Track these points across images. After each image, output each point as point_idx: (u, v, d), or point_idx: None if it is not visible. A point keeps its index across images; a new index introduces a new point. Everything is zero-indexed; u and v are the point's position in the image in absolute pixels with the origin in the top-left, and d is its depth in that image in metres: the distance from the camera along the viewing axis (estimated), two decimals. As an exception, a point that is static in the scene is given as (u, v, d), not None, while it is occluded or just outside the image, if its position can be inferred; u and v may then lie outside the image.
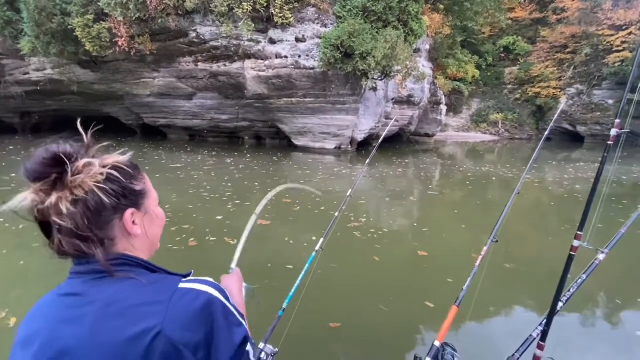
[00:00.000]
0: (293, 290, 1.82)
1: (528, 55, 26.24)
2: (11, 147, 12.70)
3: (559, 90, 24.06)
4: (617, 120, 1.28)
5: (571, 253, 1.38)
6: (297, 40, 11.40)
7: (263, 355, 1.40)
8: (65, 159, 0.62)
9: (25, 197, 0.60)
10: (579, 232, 1.38)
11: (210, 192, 6.85)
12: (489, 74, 27.05)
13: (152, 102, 14.88)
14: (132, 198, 0.70)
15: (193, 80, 13.31)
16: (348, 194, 2.60)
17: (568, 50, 24.17)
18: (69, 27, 10.81)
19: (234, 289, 0.95)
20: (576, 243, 1.38)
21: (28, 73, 14.45)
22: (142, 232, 0.71)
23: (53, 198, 0.60)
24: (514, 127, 26.06)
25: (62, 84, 14.10)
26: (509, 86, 27.02)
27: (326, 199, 6.47)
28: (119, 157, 0.70)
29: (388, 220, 5.80)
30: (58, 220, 0.60)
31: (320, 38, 11.06)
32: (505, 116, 26.04)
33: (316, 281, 3.40)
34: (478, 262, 1.70)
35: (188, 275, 0.73)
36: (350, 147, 14.65)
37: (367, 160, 3.16)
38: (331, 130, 13.51)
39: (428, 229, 5.24)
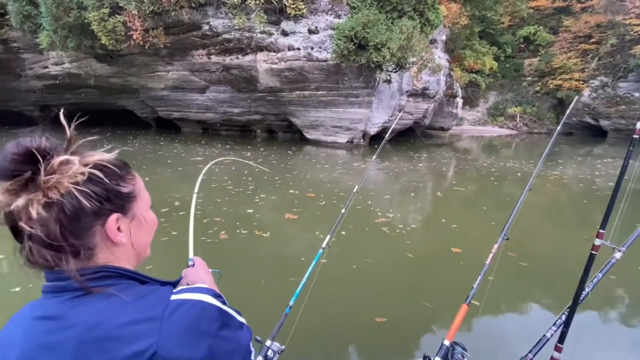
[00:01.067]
0: (300, 287, 1.79)
1: (549, 46, 25.25)
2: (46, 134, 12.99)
3: (582, 82, 23.10)
4: None
5: (592, 252, 1.33)
6: (310, 31, 11.24)
7: (270, 352, 1.40)
8: (39, 156, 0.53)
9: None
10: (601, 231, 1.33)
11: (235, 186, 6.87)
12: (507, 65, 26.19)
13: (166, 96, 15.03)
14: (118, 202, 0.61)
15: (206, 74, 13.35)
16: (355, 189, 2.54)
17: (592, 40, 23.13)
18: (85, 21, 10.94)
19: (205, 279, 0.90)
20: (598, 242, 1.33)
21: (47, 67, 14.79)
22: (127, 240, 0.62)
23: (21, 200, 0.52)
24: (532, 121, 25.25)
25: (79, 78, 14.38)
26: (529, 78, 26.12)
27: (344, 195, 6.48)
28: (104, 154, 0.61)
29: (415, 215, 5.71)
30: (26, 227, 0.52)
31: (333, 29, 10.87)
32: (523, 109, 25.24)
33: (347, 276, 3.49)
34: (489, 259, 1.66)
35: (178, 282, 0.68)
36: (362, 141, 14.47)
37: (374, 156, 3.11)
38: (343, 124, 13.36)
39: (457, 226, 5.14)
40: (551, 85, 24.33)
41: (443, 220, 5.42)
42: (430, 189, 7.92)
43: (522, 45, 26.39)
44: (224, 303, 0.64)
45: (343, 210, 2.24)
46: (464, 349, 1.32)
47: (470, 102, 25.28)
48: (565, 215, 6.29)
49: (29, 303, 0.61)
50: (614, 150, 15.87)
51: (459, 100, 19.86)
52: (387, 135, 3.32)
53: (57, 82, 15.11)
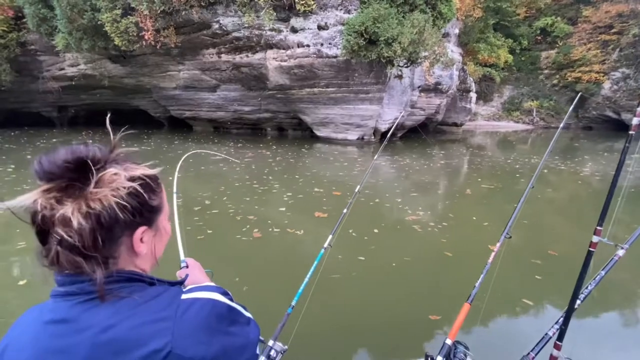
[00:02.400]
0: (302, 288, 1.79)
1: (568, 37, 24.43)
2: (54, 140, 13.40)
3: (602, 74, 22.27)
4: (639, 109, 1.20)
5: (590, 249, 1.33)
6: (320, 27, 11.14)
7: (273, 352, 1.42)
8: (92, 166, 0.55)
9: (30, 199, 0.53)
10: (598, 227, 1.32)
11: (259, 184, 6.89)
12: (523, 58, 25.47)
13: (178, 95, 15.20)
14: (147, 215, 0.63)
15: (216, 72, 13.42)
16: (356, 189, 2.50)
17: (613, 30, 22.24)
18: (99, 22, 11.13)
19: (203, 279, 0.92)
20: (595, 239, 1.32)
21: (63, 68, 15.15)
22: (148, 250, 0.64)
23: (67, 209, 0.53)
24: (550, 115, 24.54)
25: (94, 79, 14.68)
26: (546, 71, 25.35)
27: (371, 193, 6.50)
28: (147, 169, 0.63)
29: (445, 213, 5.56)
30: (63, 233, 0.53)
31: (343, 25, 10.74)
32: (540, 103, 24.53)
33: (387, 272, 3.48)
34: (491, 258, 1.64)
35: (184, 282, 0.70)
36: (373, 137, 14.31)
37: (376, 155, 3.05)
38: (354, 121, 13.23)
39: (489, 223, 5.02)
40: (569, 78, 23.56)
41: (474, 218, 5.31)
42: (458, 186, 7.73)
43: (539, 37, 25.59)
44: (231, 300, 0.65)
45: (345, 210, 2.22)
46: (466, 347, 1.31)
47: (484, 96, 24.72)
48: (576, 212, 6.04)
49: (35, 307, 0.61)
50: (638, 146, 15.22)
51: (473, 95, 19.43)
52: (389, 132, 3.25)
53: (73, 83, 15.47)
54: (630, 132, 1.26)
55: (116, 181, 0.56)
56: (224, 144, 12.84)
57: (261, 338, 1.43)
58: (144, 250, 0.63)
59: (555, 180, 8.11)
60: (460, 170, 9.60)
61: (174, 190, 1.38)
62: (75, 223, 0.52)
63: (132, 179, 0.58)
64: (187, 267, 0.96)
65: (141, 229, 0.62)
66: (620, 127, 22.22)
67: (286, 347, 1.44)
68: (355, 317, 2.83)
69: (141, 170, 0.62)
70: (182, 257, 1.03)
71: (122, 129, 0.68)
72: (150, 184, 0.63)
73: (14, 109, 17.73)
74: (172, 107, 16.40)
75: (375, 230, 4.61)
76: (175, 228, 1.20)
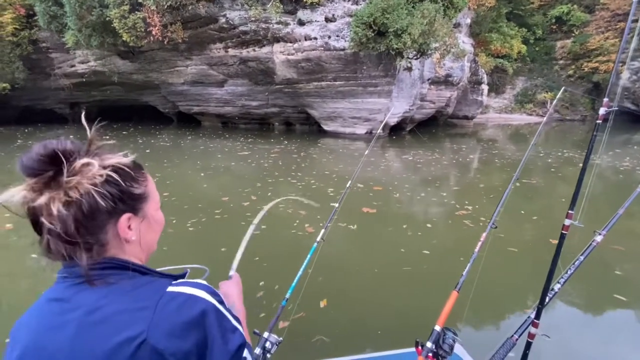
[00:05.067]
0: (295, 281, 1.83)
1: (584, 26, 23.60)
2: (71, 136, 13.59)
3: (621, 64, 21.46)
4: (606, 99, 1.30)
5: (563, 232, 1.41)
6: (327, 20, 10.96)
7: (268, 344, 1.46)
8: (63, 157, 0.58)
9: (16, 193, 0.57)
10: (570, 211, 1.40)
11: (298, 180, 6.87)
12: (537, 48, 24.74)
13: (186, 90, 15.23)
14: (130, 202, 0.65)
15: (224, 67, 13.37)
16: (348, 185, 2.50)
17: (633, 18, 21.36)
18: (107, 18, 11.17)
19: (234, 293, 0.93)
20: (567, 222, 1.41)
21: (74, 65, 15.31)
22: (136, 238, 0.67)
23: (44, 198, 0.56)
24: (564, 107, 23.86)
25: (104, 75, 14.81)
26: (561, 62, 24.60)
27: (410, 187, 6.55)
28: (122, 158, 0.65)
29: (492, 207, 5.39)
30: (47, 222, 0.57)
31: (351, 16, 10.54)
32: (554, 95, 23.83)
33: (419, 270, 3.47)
34: (477, 247, 1.72)
35: (182, 277, 0.68)
36: (382, 131, 14.13)
37: (367, 151, 3.01)
38: (362, 115, 13.06)
39: (538, 217, 4.95)
40: (586, 69, 22.80)
41: (522, 212, 5.20)
42: (497, 181, 7.49)
43: (554, 27, 24.78)
44: (221, 303, 0.65)
45: (336, 205, 2.27)
46: (454, 333, 1.35)
47: (496, 88, 24.15)
48: (592, 207, 5.83)
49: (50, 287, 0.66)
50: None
51: (484, 87, 18.98)
52: (380, 128, 3.09)
53: (84, 79, 15.63)
54: (597, 122, 1.35)
55: (90, 170, 0.59)
56: (235, 140, 12.84)
57: (256, 330, 1.50)
58: (132, 237, 0.65)
59: (571, 173, 7.84)
60: (496, 165, 9.33)
61: (255, 222, 1.44)
62: (55, 211, 0.56)
63: (105, 167, 0.61)
64: (231, 278, 1.01)
65: (126, 215, 0.64)
66: (638, 119, 21.46)
67: (281, 338, 1.48)
68: (510, 310, 2.91)
69: (115, 159, 0.63)
70: (231, 272, 1.08)
71: (97, 120, 0.68)
72: (129, 172, 0.65)
73: (27, 106, 18.05)
74: (181, 103, 16.46)
75: (449, 223, 4.61)
76: (242, 245, 1.28)
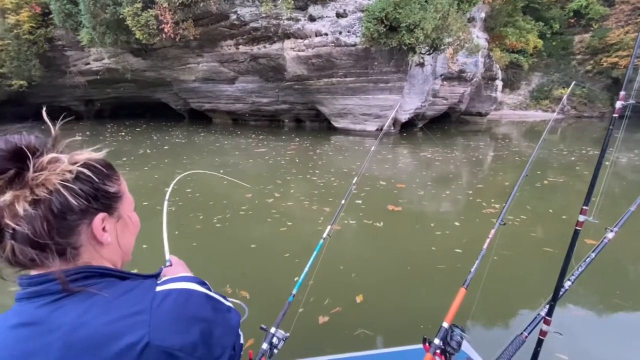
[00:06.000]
0: (302, 277, 1.84)
1: (604, 20, 22.79)
2: (88, 133, 13.93)
3: (638, 58, 20.67)
4: (622, 93, 1.26)
5: (577, 228, 1.38)
6: (338, 15, 10.87)
7: (275, 339, 1.47)
8: (28, 153, 0.53)
9: None
10: (584, 207, 1.37)
11: (318, 177, 6.88)
12: (554, 43, 24.03)
13: (197, 87, 15.36)
14: (105, 201, 0.61)
15: (234, 64, 13.42)
16: (354, 181, 2.48)
17: (657, 10, 20.57)
18: (121, 16, 11.31)
19: (181, 272, 0.89)
20: (581, 218, 1.37)
21: (89, 63, 15.61)
22: (112, 239, 0.62)
23: (7, 196, 0.51)
24: (582, 104, 23.15)
25: (117, 73, 15.05)
26: (579, 56, 23.84)
27: (434, 185, 6.54)
28: (92, 153, 0.61)
29: (523, 204, 5.26)
30: (12, 224, 0.51)
31: (362, 12, 10.42)
32: (572, 91, 23.14)
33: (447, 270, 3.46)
34: (486, 244, 1.71)
35: (159, 274, 0.67)
36: (393, 128, 13.98)
37: (373, 147, 2.94)
38: (373, 111, 12.94)
39: (567, 217, 4.83)
40: (605, 64, 22.03)
41: (550, 211, 5.09)
42: (524, 179, 7.36)
43: (572, 20, 24.02)
44: (209, 289, 0.65)
45: (343, 201, 2.25)
46: (462, 330, 1.35)
47: (510, 84, 23.60)
48: (609, 203, 5.63)
49: (2, 314, 0.58)
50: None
51: (499, 83, 18.55)
52: (387, 124, 3.04)
53: (99, 77, 15.92)
54: (614, 115, 1.30)
55: (59, 166, 0.54)
56: (247, 137, 12.90)
57: (263, 326, 1.51)
58: (108, 239, 0.61)
59: (624, 173, 7.57)
60: (491, 161, 9.21)
61: (166, 197, 1.47)
62: (20, 211, 0.51)
63: (74, 163, 0.56)
64: (171, 265, 0.94)
65: (100, 215, 0.60)
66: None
67: (288, 334, 1.49)
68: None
69: (86, 154, 0.60)
70: (167, 256, 1.03)
71: (62, 116, 0.65)
72: (101, 170, 0.61)
73: (44, 103, 18.50)
74: (192, 100, 16.61)
75: (477, 221, 4.57)
76: (163, 230, 1.25)
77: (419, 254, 3.80)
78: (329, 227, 2.11)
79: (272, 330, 1.50)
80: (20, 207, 0.51)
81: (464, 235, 4.17)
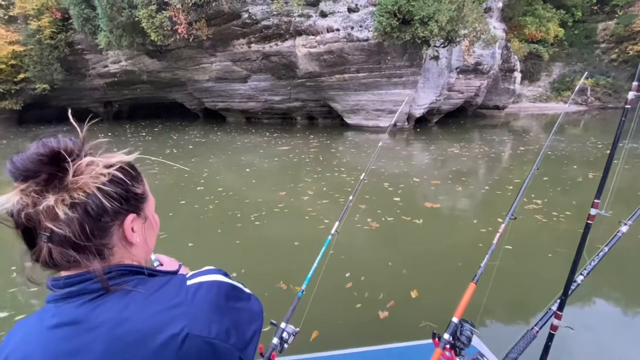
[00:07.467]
0: (311, 273, 1.85)
1: (629, 6, 21.73)
2: (109, 134, 14.34)
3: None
4: (636, 83, 1.19)
5: (588, 222, 1.36)
6: (350, 10, 10.76)
7: (285, 334, 1.49)
8: (67, 156, 0.54)
9: (9, 199, 0.52)
10: (596, 200, 1.35)
11: (347, 175, 6.92)
12: (576, 31, 23.08)
13: (211, 87, 15.57)
14: (134, 202, 0.63)
15: (247, 63, 13.52)
16: (362, 177, 2.43)
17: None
18: (136, 19, 11.58)
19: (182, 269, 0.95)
20: (593, 211, 1.35)
21: (107, 66, 16.06)
22: (140, 239, 0.65)
23: (49, 200, 0.52)
24: (607, 95, 22.16)
25: (134, 74, 15.43)
26: (602, 45, 22.83)
27: (469, 180, 6.51)
28: (124, 156, 0.63)
29: (567, 201, 5.15)
30: (52, 227, 0.52)
31: (374, 6, 10.28)
32: (595, 81, 22.17)
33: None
34: (496, 239, 1.70)
35: (177, 272, 0.71)
36: (406, 124, 13.78)
37: (380, 143, 2.84)
38: (386, 107, 12.78)
39: (613, 213, 4.64)
40: (631, 52, 21.03)
41: (555, 203, 5.02)
42: (559, 173, 7.09)
43: (595, 7, 23.01)
44: (230, 279, 0.68)
45: (351, 197, 2.24)
46: (472, 325, 1.35)
47: (530, 76, 22.85)
48: (623, 197, 5.40)
49: (29, 318, 0.60)
50: None
51: (517, 75, 17.97)
52: (395, 118, 3.01)
53: (116, 79, 16.36)
54: (626, 106, 1.27)
55: (94, 169, 0.56)
56: (261, 135, 12.99)
57: (273, 321, 1.55)
58: (137, 239, 0.63)
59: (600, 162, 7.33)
60: (520, 156, 8.93)
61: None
62: (61, 214, 0.52)
63: (109, 166, 0.58)
64: (161, 265, 0.95)
65: (130, 216, 0.62)
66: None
67: (297, 329, 1.51)
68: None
69: (118, 157, 0.61)
70: (152, 256, 1.02)
71: (88, 119, 0.65)
72: (130, 172, 0.63)
73: (65, 105, 19.18)
74: (206, 99, 16.86)
75: (520, 217, 4.57)
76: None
77: (467, 250, 3.75)
78: (336, 223, 2.10)
79: (282, 325, 1.52)
80: (61, 211, 0.52)
81: (511, 232, 4.03)
